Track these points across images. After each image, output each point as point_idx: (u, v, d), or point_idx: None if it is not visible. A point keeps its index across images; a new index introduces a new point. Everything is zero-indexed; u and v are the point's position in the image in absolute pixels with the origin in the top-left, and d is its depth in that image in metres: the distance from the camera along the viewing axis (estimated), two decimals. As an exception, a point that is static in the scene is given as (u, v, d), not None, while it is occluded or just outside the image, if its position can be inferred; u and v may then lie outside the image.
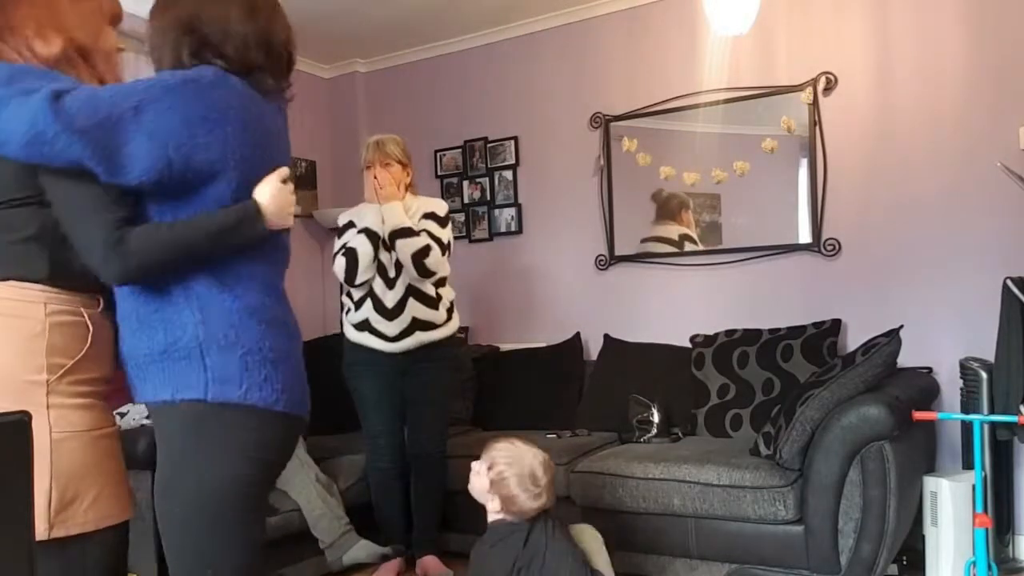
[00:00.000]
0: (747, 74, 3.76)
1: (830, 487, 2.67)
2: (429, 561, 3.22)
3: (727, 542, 2.84)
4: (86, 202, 1.43)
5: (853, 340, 3.46)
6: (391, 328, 3.16)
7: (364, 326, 3.20)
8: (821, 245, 3.62)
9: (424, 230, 3.16)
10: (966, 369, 3.06)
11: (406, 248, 3.11)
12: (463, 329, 4.16)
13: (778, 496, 2.73)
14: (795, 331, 3.45)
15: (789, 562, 2.76)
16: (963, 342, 3.29)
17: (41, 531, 1.41)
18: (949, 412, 3.11)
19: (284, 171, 1.58)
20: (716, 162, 3.82)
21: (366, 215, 3.22)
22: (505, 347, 4.30)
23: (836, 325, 3.44)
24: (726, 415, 3.44)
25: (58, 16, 1.53)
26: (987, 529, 2.66)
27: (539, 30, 4.29)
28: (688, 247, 3.93)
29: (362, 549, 3.14)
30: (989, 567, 2.64)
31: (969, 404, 3.03)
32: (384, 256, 3.17)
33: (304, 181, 4.73)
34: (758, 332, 3.54)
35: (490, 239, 4.49)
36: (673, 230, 3.97)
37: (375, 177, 3.20)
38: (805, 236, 3.67)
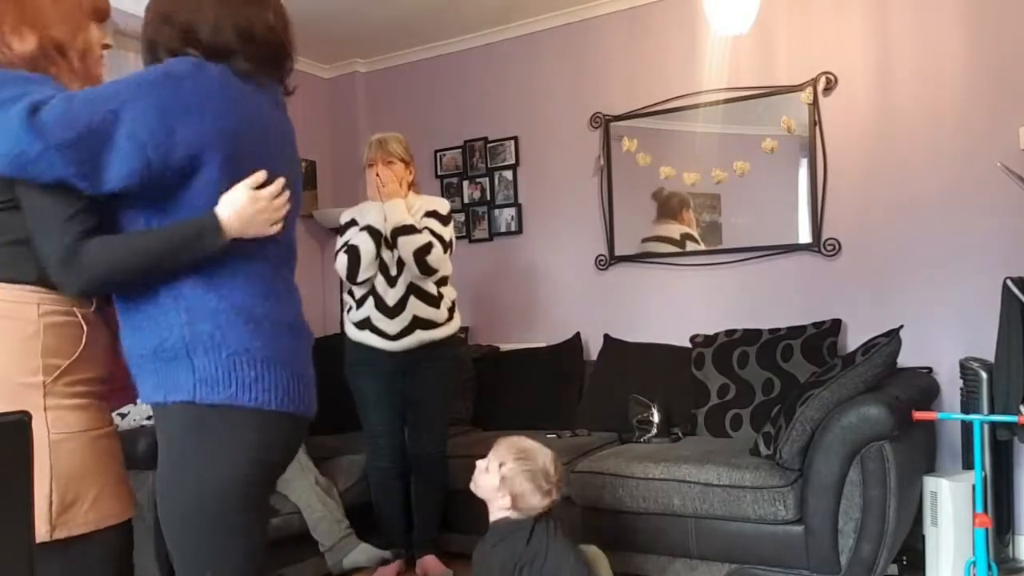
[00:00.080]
0: (747, 74, 3.76)
1: (830, 487, 2.67)
2: (429, 561, 3.22)
3: (727, 542, 2.84)
4: (45, 214, 1.43)
5: (853, 340, 3.46)
6: (392, 326, 3.16)
7: (365, 324, 3.19)
8: (821, 245, 3.62)
9: (426, 228, 3.16)
10: (966, 369, 3.07)
11: (408, 245, 3.11)
12: (463, 329, 4.16)
13: (778, 496, 2.73)
14: (795, 331, 3.45)
15: (789, 562, 2.76)
16: (963, 342, 3.29)
17: (43, 533, 1.41)
18: (949, 412, 3.11)
19: (259, 176, 1.51)
20: (716, 162, 3.82)
21: (368, 213, 3.22)
22: (505, 347, 4.30)
23: (836, 325, 3.44)
24: (726, 415, 3.44)
25: (34, 13, 1.52)
26: (987, 529, 2.66)
27: (539, 30, 4.29)
28: (690, 246, 3.93)
29: (362, 553, 3.14)
30: (989, 567, 2.64)
31: (969, 404, 3.03)
32: (386, 254, 3.17)
33: (304, 181, 4.72)
34: (758, 332, 3.54)
35: (490, 239, 4.49)
36: (674, 229, 3.97)
37: (377, 175, 3.20)
38: (805, 236, 3.67)
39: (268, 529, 1.65)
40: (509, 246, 4.44)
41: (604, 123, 4.11)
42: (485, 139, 4.49)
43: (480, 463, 2.39)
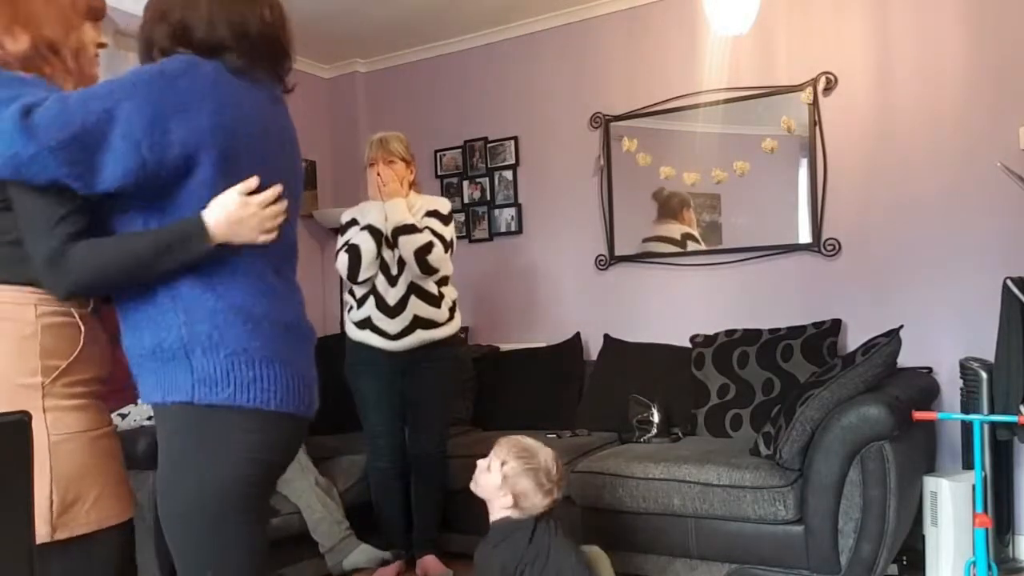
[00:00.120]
0: (747, 74, 3.76)
1: (830, 487, 2.67)
2: (429, 561, 3.22)
3: (727, 542, 2.84)
4: (35, 215, 1.42)
5: (853, 340, 3.46)
6: (393, 326, 3.16)
7: (366, 324, 3.19)
8: (821, 245, 3.62)
9: (427, 227, 3.16)
10: (966, 369, 3.06)
11: (409, 244, 3.11)
12: (463, 329, 4.17)
13: (778, 496, 2.73)
14: (795, 331, 3.45)
15: (789, 562, 2.76)
16: (963, 342, 3.29)
17: (44, 534, 1.41)
18: (949, 412, 3.11)
19: (251, 183, 1.49)
20: (716, 162, 3.81)
21: (369, 212, 3.22)
22: (505, 347, 4.30)
23: (836, 325, 3.44)
24: (726, 415, 3.44)
25: (27, 12, 1.52)
26: (987, 529, 2.66)
27: (539, 30, 4.29)
28: (691, 246, 3.93)
29: (362, 554, 3.13)
30: (989, 567, 2.64)
31: (969, 404, 3.03)
32: (387, 253, 3.17)
33: (304, 181, 4.72)
34: (758, 332, 3.54)
35: (490, 239, 4.49)
36: (675, 229, 3.97)
37: (378, 174, 3.20)
38: (805, 236, 3.67)
39: (268, 529, 1.64)
40: (509, 246, 4.44)
41: (604, 123, 4.11)
42: (485, 139, 4.49)
43: (481, 463, 2.38)
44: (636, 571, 3.01)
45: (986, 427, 2.90)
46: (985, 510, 2.71)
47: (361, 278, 3.16)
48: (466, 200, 4.55)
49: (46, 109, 1.36)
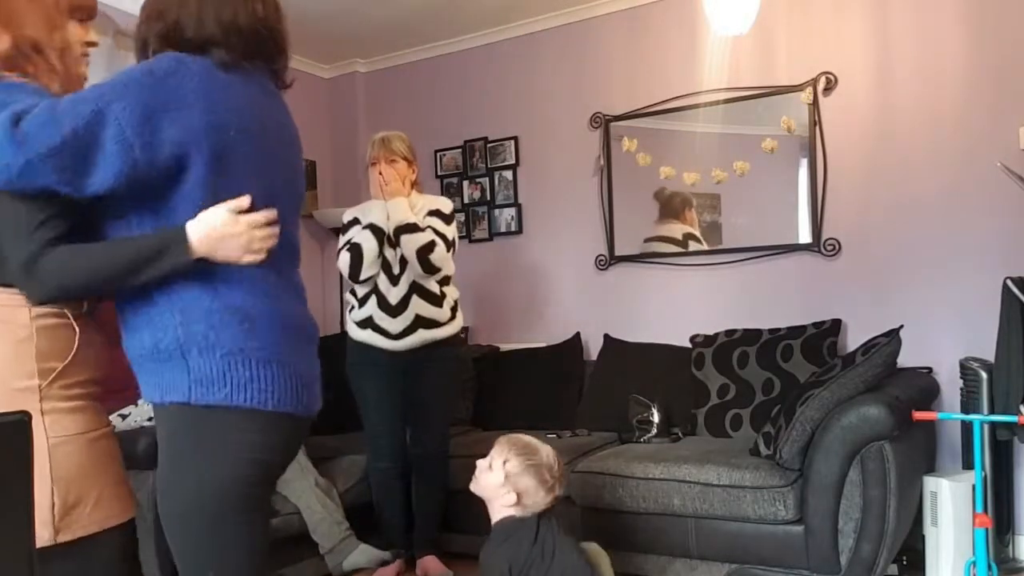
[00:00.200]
0: (747, 74, 3.76)
1: (830, 487, 2.67)
2: (429, 561, 3.22)
3: (727, 542, 2.84)
4: (15, 219, 1.41)
5: (853, 340, 3.46)
6: (394, 325, 3.15)
7: (368, 323, 3.19)
8: (821, 245, 3.62)
9: (429, 226, 3.16)
10: (966, 369, 3.06)
11: (411, 244, 3.11)
12: (463, 329, 4.16)
13: (778, 496, 2.73)
14: (795, 331, 3.45)
15: (789, 562, 2.76)
16: (963, 342, 3.29)
17: (47, 537, 1.40)
18: (949, 412, 3.11)
19: (243, 201, 1.47)
20: (716, 162, 3.81)
21: (371, 211, 3.22)
22: (505, 347, 4.30)
23: (836, 325, 3.44)
24: (726, 415, 3.44)
25: (7, 11, 1.51)
26: (987, 529, 2.66)
27: (539, 30, 4.29)
28: (692, 246, 3.93)
29: (362, 554, 3.13)
30: (989, 567, 2.64)
31: (969, 404, 3.03)
32: (389, 252, 3.17)
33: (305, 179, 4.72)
34: (758, 332, 3.54)
35: (490, 239, 4.49)
36: (676, 229, 3.97)
37: (380, 173, 3.20)
38: (805, 236, 3.67)
39: (268, 529, 1.64)
40: (509, 246, 4.44)
41: (604, 123, 4.11)
42: (485, 139, 4.49)
43: (481, 462, 2.38)
44: (636, 571, 3.01)
45: (986, 427, 2.90)
46: (985, 510, 2.71)
47: (363, 277, 3.16)
48: (466, 200, 4.54)
49: (35, 116, 1.35)
